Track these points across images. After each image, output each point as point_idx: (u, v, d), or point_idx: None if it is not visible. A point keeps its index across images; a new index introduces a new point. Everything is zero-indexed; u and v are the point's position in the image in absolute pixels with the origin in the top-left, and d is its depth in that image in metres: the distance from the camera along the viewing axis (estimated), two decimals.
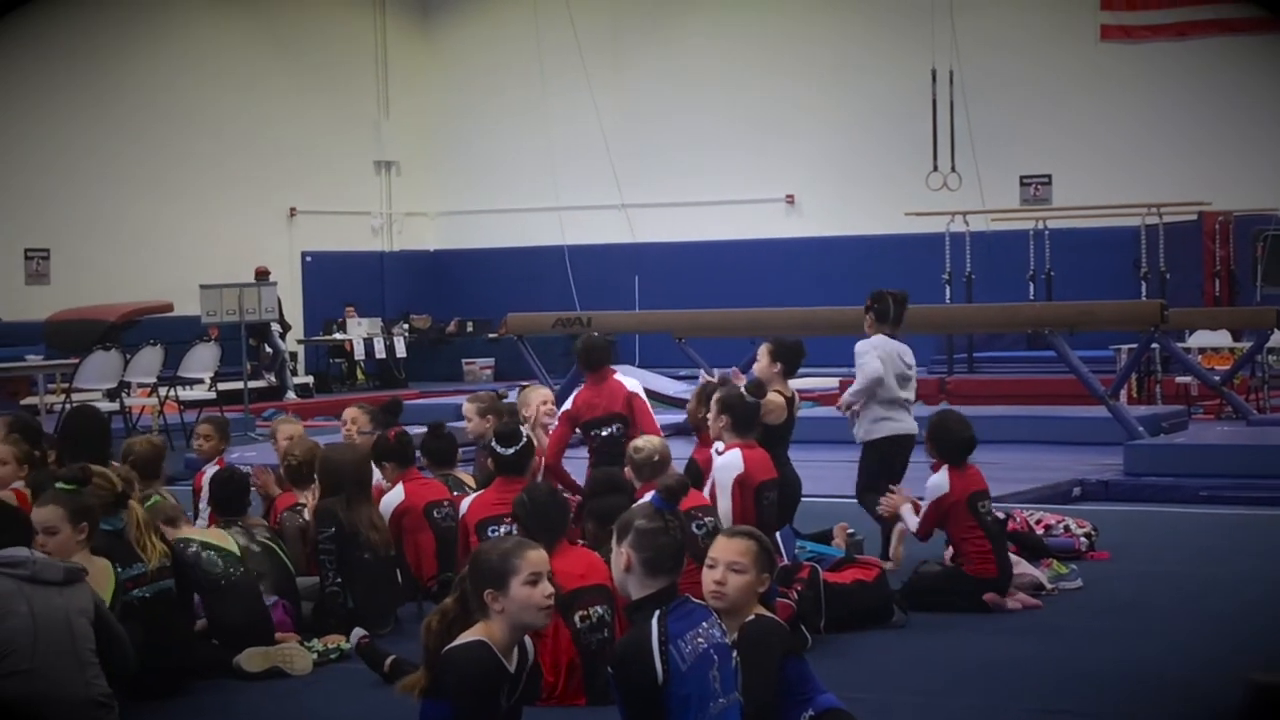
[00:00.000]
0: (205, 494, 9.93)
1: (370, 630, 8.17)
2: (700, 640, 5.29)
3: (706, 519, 8.18)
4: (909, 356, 10.74)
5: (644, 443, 8.59)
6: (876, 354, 10.51)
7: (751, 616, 5.67)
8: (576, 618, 7.05)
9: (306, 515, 9.04)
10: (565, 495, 8.10)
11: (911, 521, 9.31)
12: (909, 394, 10.65)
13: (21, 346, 22.53)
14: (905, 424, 10.57)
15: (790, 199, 28.84)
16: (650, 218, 29.29)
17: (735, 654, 5.42)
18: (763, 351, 10.27)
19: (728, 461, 8.91)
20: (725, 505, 8.73)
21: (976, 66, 25.71)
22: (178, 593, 7.60)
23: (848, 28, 28.22)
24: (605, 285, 28.30)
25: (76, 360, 19.03)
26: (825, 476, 12.50)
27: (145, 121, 26.77)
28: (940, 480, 9.16)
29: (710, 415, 9.17)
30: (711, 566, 5.69)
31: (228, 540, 8.25)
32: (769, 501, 8.98)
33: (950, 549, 9.27)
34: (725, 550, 5.71)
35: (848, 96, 28.14)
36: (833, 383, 21.20)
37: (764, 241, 28.36)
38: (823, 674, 5.94)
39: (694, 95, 29.20)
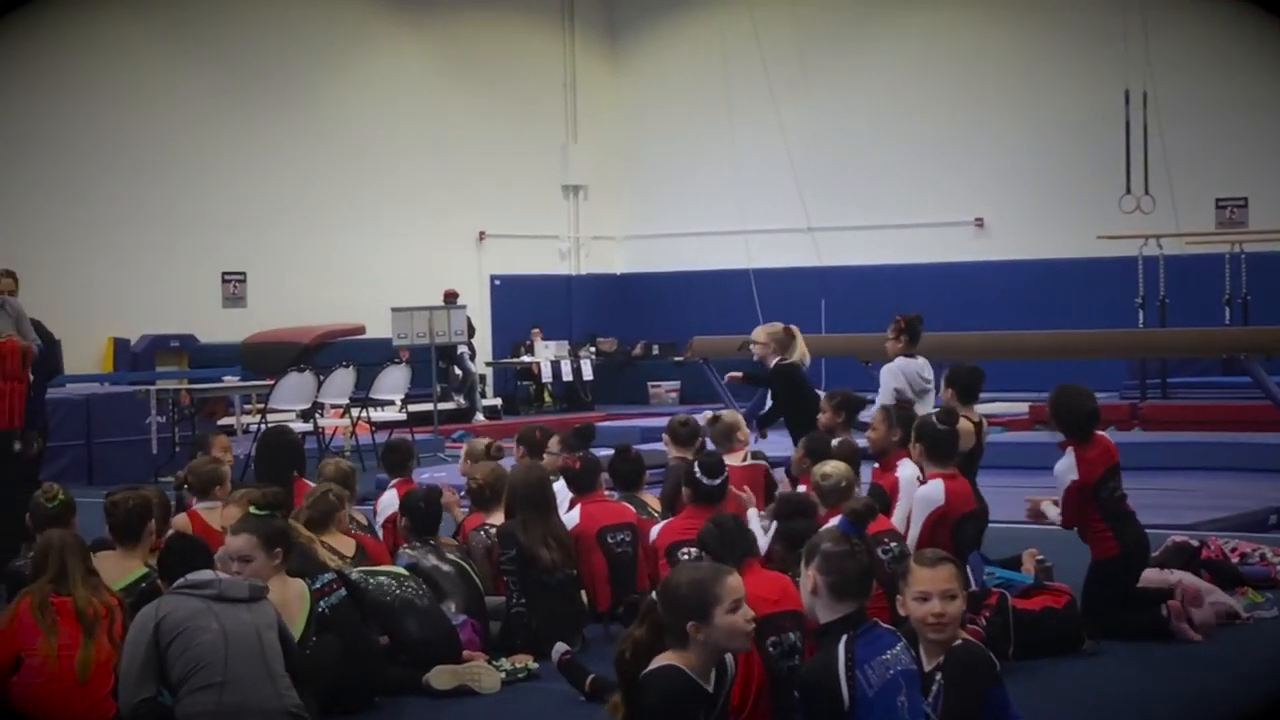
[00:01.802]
0: (381, 514, 10.11)
1: None
2: (888, 666, 5.25)
3: (892, 544, 8.13)
4: (927, 372, 12.07)
5: (831, 468, 8.56)
6: (897, 380, 11.88)
7: (959, 641, 5.61)
8: (768, 643, 7.03)
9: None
10: None
11: (1054, 514, 9.20)
12: (926, 406, 11.41)
13: (219, 368, 22.99)
14: None
15: (979, 222, 28.56)
16: (836, 241, 29.15)
17: (940, 677, 5.38)
18: (944, 380, 10.31)
19: (929, 493, 8.84)
20: (914, 534, 8.68)
21: (1170, 87, 25.26)
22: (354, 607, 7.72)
23: (1038, 48, 27.88)
24: (791, 308, 27.97)
25: (272, 381, 19.38)
26: (1013, 502, 12.34)
27: (337, 148, 27.20)
28: (1067, 465, 9.02)
29: (878, 430, 9.21)
30: (925, 599, 5.57)
31: (394, 567, 8.40)
32: (966, 535, 8.90)
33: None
34: (934, 580, 5.59)
35: (1038, 118, 27.80)
36: (1022, 408, 20.95)
37: (951, 265, 28.11)
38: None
39: (881, 117, 29.05)
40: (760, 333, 13.47)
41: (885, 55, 29.16)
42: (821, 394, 12.04)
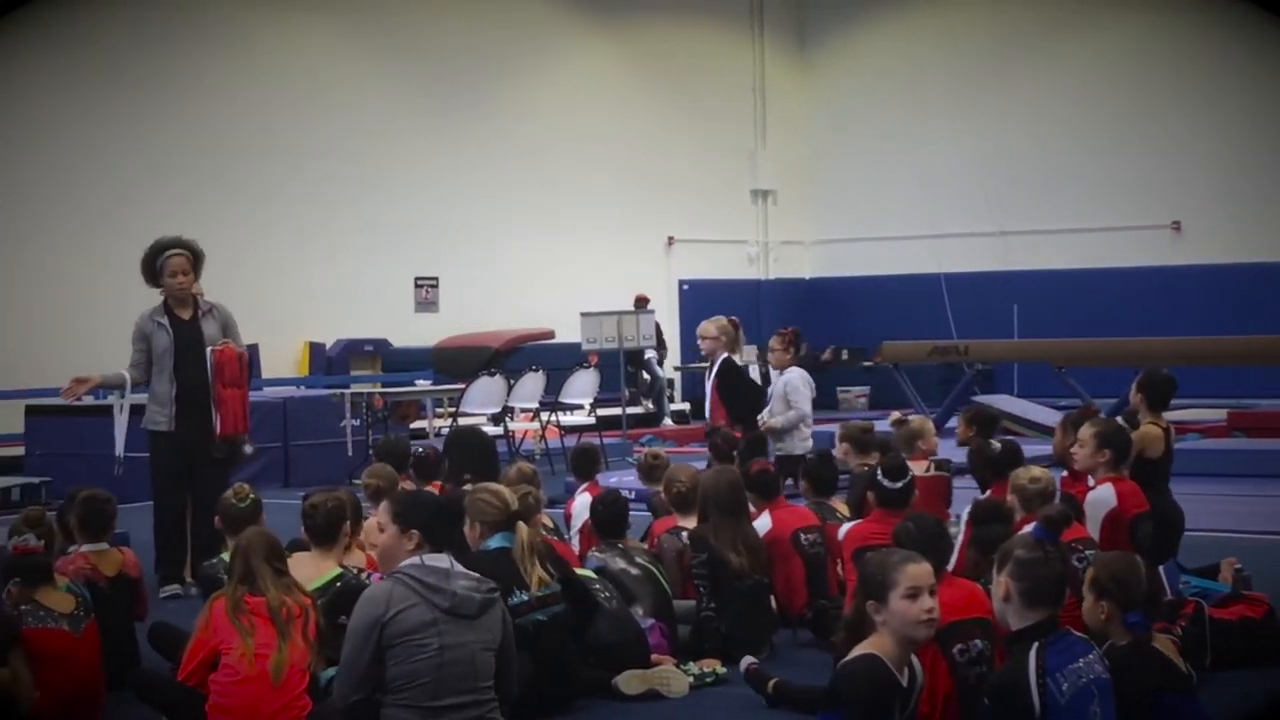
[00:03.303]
0: (576, 520, 10.16)
1: (745, 656, 8.22)
2: (1080, 674, 5.19)
3: (1087, 552, 8.01)
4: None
5: (1039, 473, 8.44)
6: (809, 388, 13.25)
7: (1124, 641, 5.53)
8: (955, 650, 6.96)
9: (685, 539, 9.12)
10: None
11: None
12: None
13: (411, 371, 23.29)
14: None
15: (1176, 225, 28.05)
16: (1028, 244, 28.84)
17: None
18: (1135, 384, 10.12)
19: (1099, 497, 8.70)
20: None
21: None
22: (575, 618, 7.74)
23: (1236, 47, 27.35)
24: (982, 313, 27.92)
25: (463, 385, 19.58)
26: (1209, 510, 12.12)
27: (528, 154, 27.43)
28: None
29: (1085, 448, 9.00)
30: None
31: (584, 571, 8.41)
32: (1144, 533, 8.75)
33: None
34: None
35: (1237, 118, 27.27)
36: (1220, 414, 20.57)
37: (1147, 269, 27.65)
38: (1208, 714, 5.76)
39: (1075, 118, 28.65)
40: (711, 326, 13.42)
41: (1081, 55, 28.76)
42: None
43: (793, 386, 13.23)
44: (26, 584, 7.33)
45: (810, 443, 13.07)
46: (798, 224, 31.63)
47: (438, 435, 19.04)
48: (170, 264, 11.04)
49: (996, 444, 9.97)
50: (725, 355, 13.07)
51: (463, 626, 6.37)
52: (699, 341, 13.53)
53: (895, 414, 12.12)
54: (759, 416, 13.00)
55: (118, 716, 7.49)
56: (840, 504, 9.94)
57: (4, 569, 7.67)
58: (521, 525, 7.53)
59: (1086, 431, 9.11)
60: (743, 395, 13.07)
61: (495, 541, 7.44)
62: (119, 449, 11.38)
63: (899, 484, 8.46)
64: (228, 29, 24.03)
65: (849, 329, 29.72)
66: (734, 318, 13.51)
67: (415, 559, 6.46)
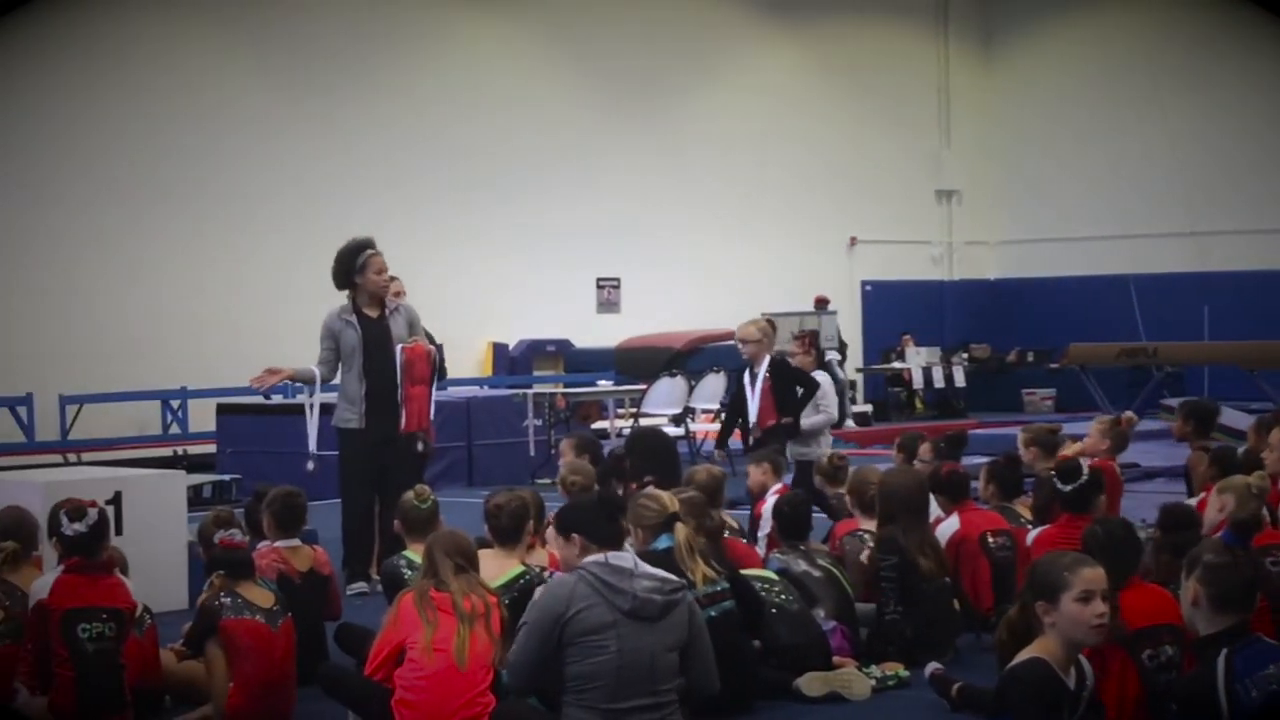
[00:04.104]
0: (765, 522, 10.13)
1: (929, 660, 8.17)
2: (1271, 680, 5.09)
3: None
4: None
5: (1258, 479, 8.27)
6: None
7: None
8: (1145, 656, 6.85)
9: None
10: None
11: None
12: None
13: (593, 372, 23.43)
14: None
15: None
16: (1221, 245, 28.30)
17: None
18: None
19: None
20: None
21: None
22: (742, 616, 7.74)
23: None
24: (1172, 314, 27.45)
25: (644, 386, 19.64)
26: None
27: (708, 155, 27.49)
28: None
29: (1276, 451, 8.82)
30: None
31: (765, 571, 8.42)
32: None
33: None
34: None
35: None
36: None
37: None
38: None
39: (1268, 117, 28.08)
40: (752, 329, 12.75)
41: (1276, 54, 28.14)
42: None
43: (822, 390, 12.85)
44: (230, 576, 7.51)
45: (828, 449, 12.59)
46: (982, 224, 31.34)
47: (619, 435, 19.11)
48: (374, 262, 11.17)
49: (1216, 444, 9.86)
50: (769, 358, 12.56)
51: (642, 629, 6.37)
52: (739, 346, 12.88)
53: (1129, 413, 11.92)
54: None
55: (306, 712, 7.62)
56: (1024, 507, 9.83)
57: (208, 562, 7.86)
58: (680, 525, 7.53)
59: (1277, 435, 8.94)
60: (801, 390, 12.61)
61: (660, 544, 7.48)
62: (311, 445, 11.53)
63: (1069, 487, 8.32)
64: (418, 30, 24.35)
65: (1034, 330, 29.40)
66: (771, 318, 13.23)
67: (600, 557, 6.49)
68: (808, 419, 12.66)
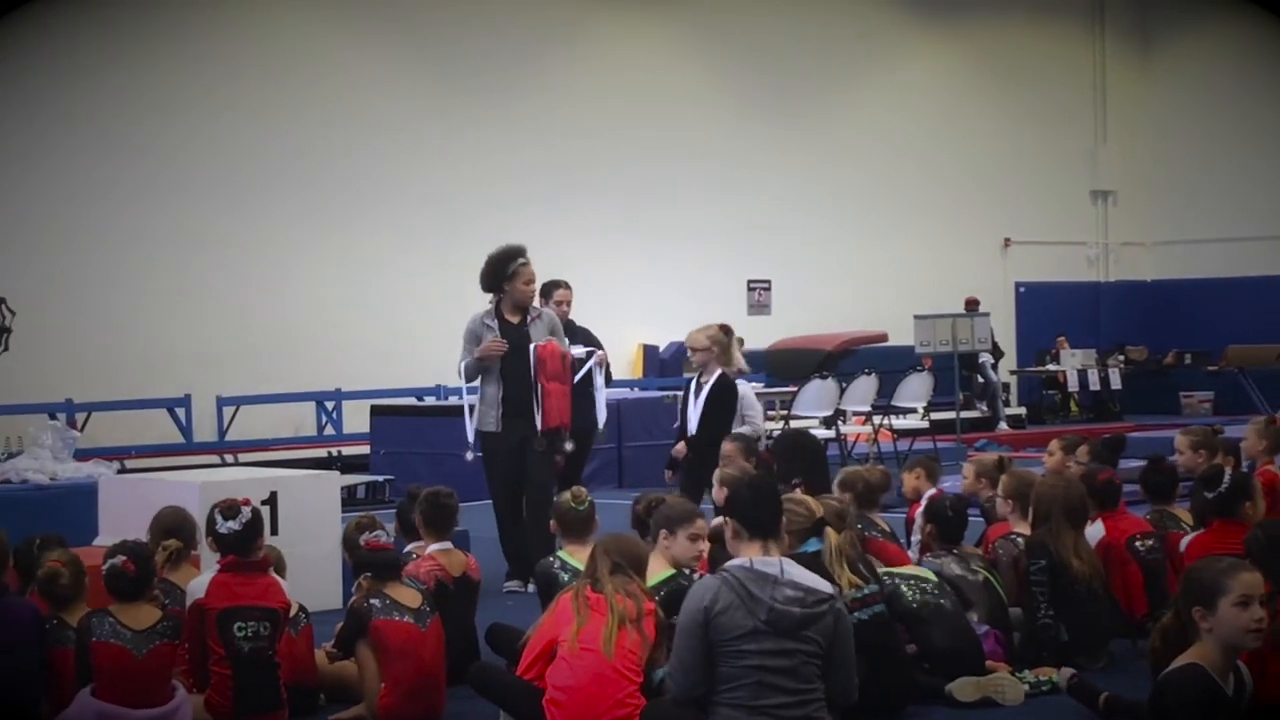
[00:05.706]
0: (918, 526, 10.04)
1: (1082, 664, 8.09)
2: None
3: None
4: None
5: None
6: None
7: None
8: None
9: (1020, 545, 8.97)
10: None
11: None
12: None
13: (744, 374, 23.33)
14: None
15: None
16: None
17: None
18: None
19: None
20: None
21: None
22: (891, 619, 7.69)
23: None
24: None
25: (795, 388, 19.58)
26: None
27: (860, 155, 27.37)
28: None
29: None
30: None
31: (922, 570, 8.35)
32: None
33: None
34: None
35: None
36: None
37: None
38: None
39: None
40: (700, 336, 11.80)
41: None
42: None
43: (748, 402, 12.33)
44: (378, 578, 7.59)
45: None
46: (1139, 225, 30.91)
47: (769, 438, 19.04)
48: (523, 271, 11.40)
49: None
50: (720, 371, 11.82)
51: (781, 638, 6.34)
52: (689, 353, 12.19)
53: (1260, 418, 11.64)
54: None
55: (458, 711, 7.67)
56: (1183, 511, 9.68)
57: (355, 565, 7.95)
58: (830, 530, 7.50)
59: None
60: (725, 420, 11.74)
61: (809, 547, 7.43)
62: (470, 437, 11.63)
63: (1212, 493, 8.18)
64: (570, 33, 24.46)
65: (1192, 332, 28.95)
66: (726, 325, 12.12)
67: (744, 561, 6.45)
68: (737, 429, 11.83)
